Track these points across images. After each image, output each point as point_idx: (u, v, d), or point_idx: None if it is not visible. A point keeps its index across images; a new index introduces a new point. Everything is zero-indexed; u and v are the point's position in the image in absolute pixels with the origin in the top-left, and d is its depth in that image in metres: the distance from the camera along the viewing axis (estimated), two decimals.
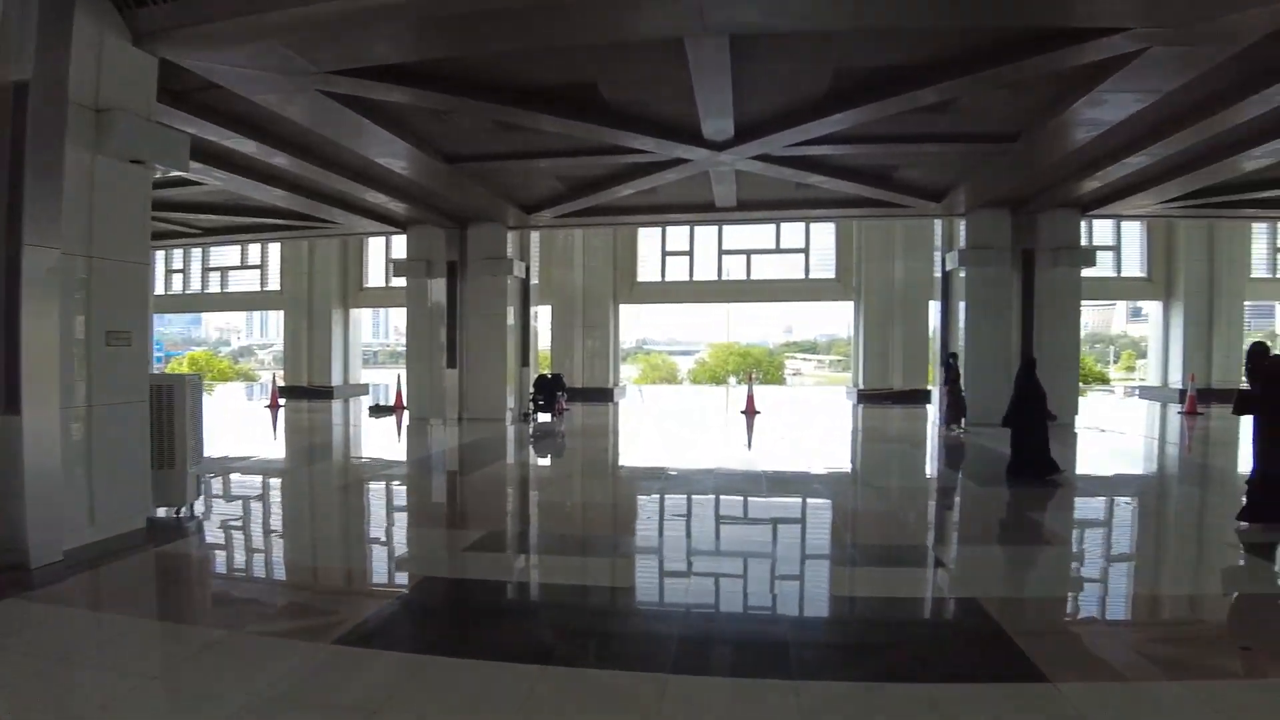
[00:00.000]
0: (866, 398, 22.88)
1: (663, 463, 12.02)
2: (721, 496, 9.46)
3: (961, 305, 16.61)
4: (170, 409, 7.72)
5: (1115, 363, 53.76)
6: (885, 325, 23.29)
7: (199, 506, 8.21)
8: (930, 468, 12.45)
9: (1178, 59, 8.36)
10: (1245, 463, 11.03)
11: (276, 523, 8.43)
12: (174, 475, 7.71)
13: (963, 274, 16.39)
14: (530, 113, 10.07)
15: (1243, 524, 7.43)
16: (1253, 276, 24.15)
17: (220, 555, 7.06)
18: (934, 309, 19.53)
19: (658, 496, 9.48)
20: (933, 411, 20.96)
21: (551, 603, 5.75)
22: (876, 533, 7.87)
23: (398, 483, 10.56)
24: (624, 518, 8.54)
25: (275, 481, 10.76)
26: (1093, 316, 58.11)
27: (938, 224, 18.09)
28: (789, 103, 10.39)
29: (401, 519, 8.62)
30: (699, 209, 16.24)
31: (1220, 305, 23.29)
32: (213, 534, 7.56)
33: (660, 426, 17.52)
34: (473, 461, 12.58)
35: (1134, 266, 24.65)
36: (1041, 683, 4.07)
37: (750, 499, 9.45)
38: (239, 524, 8.11)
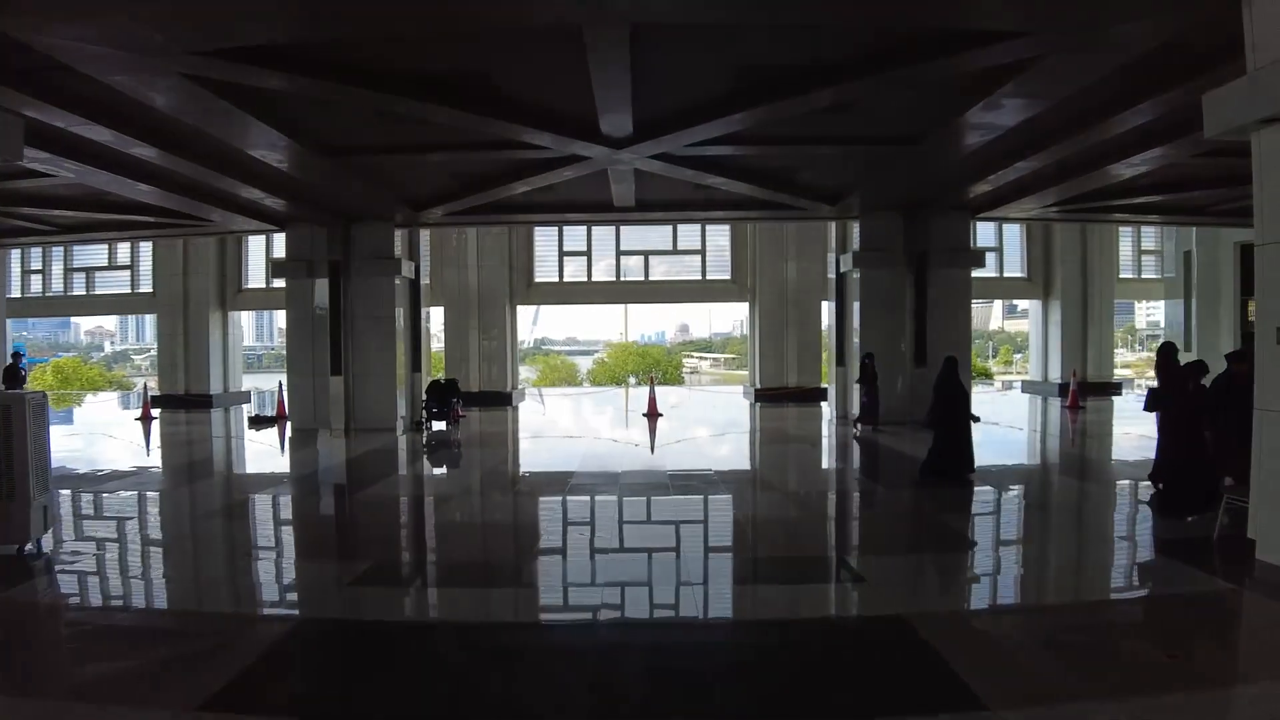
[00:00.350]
0: (764, 396, 22.94)
1: (565, 472, 11.51)
2: (627, 508, 9.05)
3: (856, 306, 16.71)
4: (8, 433, 6.73)
5: (994, 357, 56.28)
6: (779, 325, 23.43)
7: (47, 542, 7.21)
8: (842, 469, 12.36)
9: (1071, 66, 8.45)
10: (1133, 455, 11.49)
11: (137, 559, 7.47)
12: (14, 508, 6.73)
13: (857, 275, 16.50)
14: (418, 103, 9.38)
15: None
16: (1121, 277, 25.52)
17: (69, 601, 6.16)
18: (827, 309, 19.89)
19: (560, 513, 8.98)
20: (828, 409, 21.21)
21: (446, 647, 5.17)
22: (796, 544, 7.61)
23: (276, 506, 9.70)
24: (525, 539, 8.01)
25: (139, 508, 9.68)
26: (973, 314, 60.64)
27: (831, 227, 18.22)
28: (690, 100, 10.05)
29: (280, 549, 7.85)
30: (597, 208, 15.80)
31: (1094, 303, 24.43)
32: (63, 575, 6.63)
33: (561, 432, 16.99)
34: (360, 478, 11.77)
35: (1015, 267, 25.60)
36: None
37: (657, 512, 9.09)
38: (93, 562, 7.13)
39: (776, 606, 5.82)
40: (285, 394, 17.88)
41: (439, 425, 16.78)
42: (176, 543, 8.05)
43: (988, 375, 41.51)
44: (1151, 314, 48.10)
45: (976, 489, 9.72)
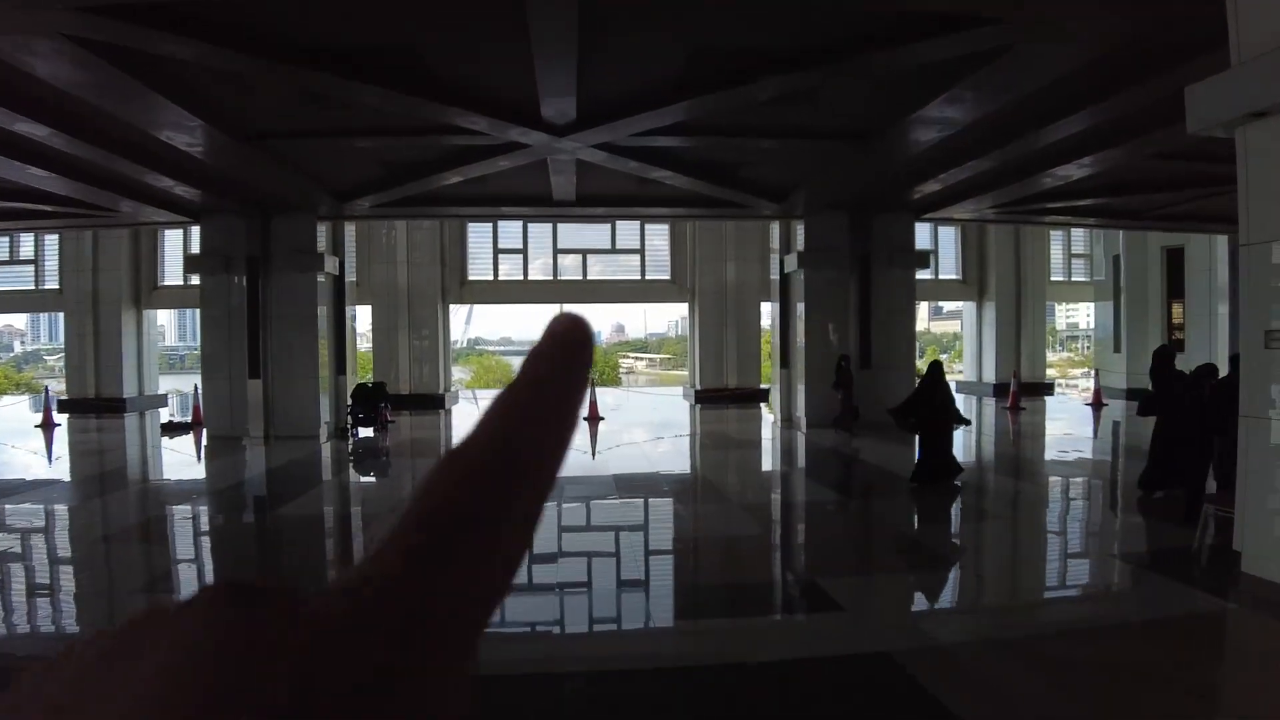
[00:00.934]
0: (704, 398, 22.42)
1: None
2: (568, 525, 8.28)
3: (800, 307, 16.25)
4: None
5: (922, 358, 56.85)
6: (718, 327, 22.97)
7: None
8: (789, 474, 11.78)
9: (1036, 60, 8.09)
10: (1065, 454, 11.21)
11: None
12: None
13: (801, 276, 16.04)
14: (341, 80, 8.48)
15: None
16: (1051, 279, 25.77)
17: None
18: (768, 311, 19.50)
19: None
20: (768, 412, 20.80)
21: None
22: (762, 564, 6.97)
23: (171, 531, 8.66)
24: None
25: (13, 538, 8.52)
26: None
27: (774, 227, 17.77)
28: (639, 85, 9.38)
29: (176, 585, 6.87)
30: (535, 202, 14.96)
31: (1027, 305, 24.57)
32: None
33: None
34: (277, 493, 10.77)
35: (949, 269, 25.61)
36: None
37: (603, 524, 8.35)
38: None
39: (749, 641, 5.15)
40: (201, 399, 16.60)
41: (366, 431, 15.74)
42: (58, 581, 6.98)
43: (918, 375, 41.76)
44: (1071, 315, 49.26)
45: (963, 495, 9.31)
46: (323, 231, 15.61)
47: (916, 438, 10.02)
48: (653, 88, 9.38)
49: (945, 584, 6.36)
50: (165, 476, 12.20)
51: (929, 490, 9.54)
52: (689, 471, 11.74)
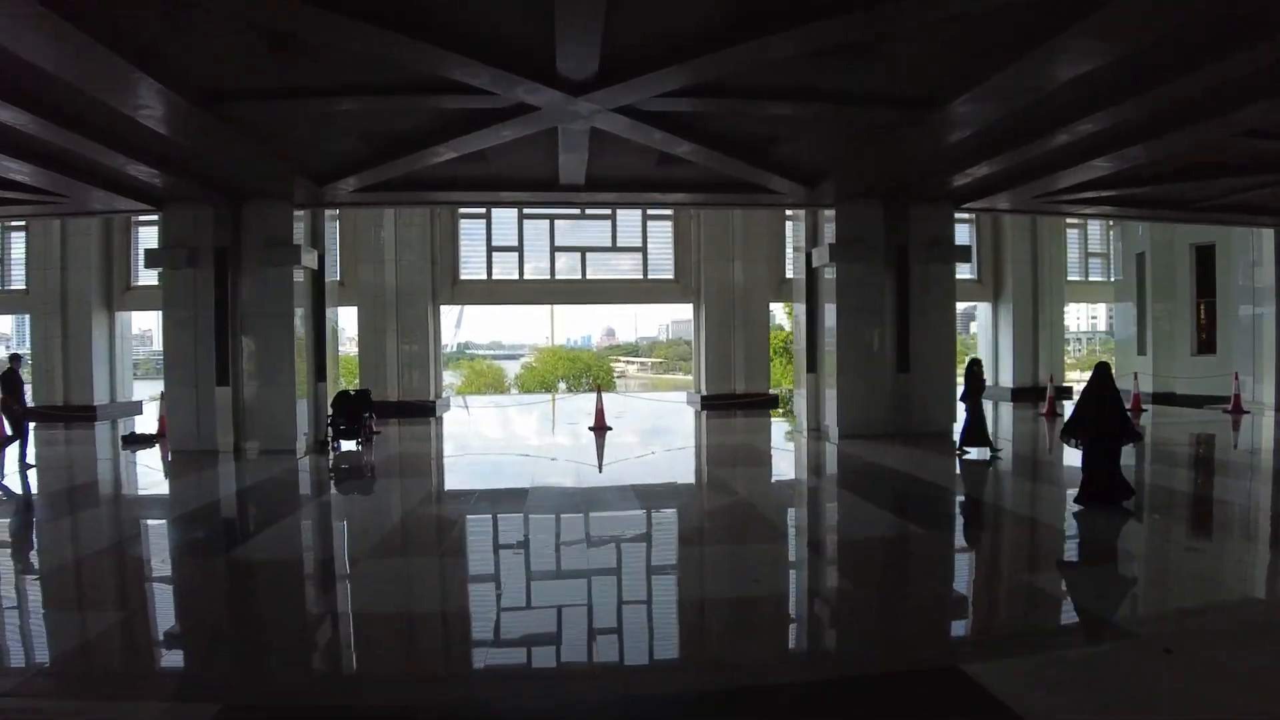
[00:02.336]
0: (711, 404, 20.49)
1: (514, 516, 8.69)
2: (599, 586, 6.30)
3: (829, 305, 14.32)
4: None
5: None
6: (726, 329, 21.13)
7: None
8: (868, 504, 9.68)
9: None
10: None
11: None
12: None
13: (831, 271, 14.11)
14: (314, 10, 6.47)
15: None
16: (1068, 279, 24.03)
17: None
18: (796, 311, 17.62)
19: (519, 593, 6.18)
20: (779, 419, 18.91)
21: None
22: (870, 637, 4.99)
23: (99, 581, 6.58)
24: (455, 634, 5.18)
25: None
26: None
27: (789, 224, 15.93)
28: (678, 29, 7.44)
29: (95, 663, 4.81)
30: (539, 186, 12.92)
31: (1044, 306, 22.85)
32: None
33: (498, 450, 14.07)
34: (237, 528, 8.70)
35: (964, 268, 23.78)
36: None
37: (636, 574, 6.39)
38: None
39: None
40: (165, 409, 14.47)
41: (349, 444, 13.65)
42: None
43: None
44: (1080, 318, 47.47)
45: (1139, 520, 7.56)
46: (300, 220, 13.50)
47: (1078, 452, 8.26)
48: (693, 32, 7.45)
49: (1159, 672, 4.37)
50: (109, 501, 10.07)
51: (1096, 516, 7.65)
52: (731, 499, 9.72)
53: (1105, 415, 8.05)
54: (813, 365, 14.79)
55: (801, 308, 15.27)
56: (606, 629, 5.12)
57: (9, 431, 12.37)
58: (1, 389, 12.06)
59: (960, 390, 12.53)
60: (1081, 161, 11.36)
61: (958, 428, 14.67)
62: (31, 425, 12.23)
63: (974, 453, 11.75)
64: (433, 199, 13.85)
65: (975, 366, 12.24)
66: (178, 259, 13.30)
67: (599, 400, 15.98)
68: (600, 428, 15.45)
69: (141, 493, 10.59)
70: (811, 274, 14.83)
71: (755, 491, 10.27)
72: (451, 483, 11.27)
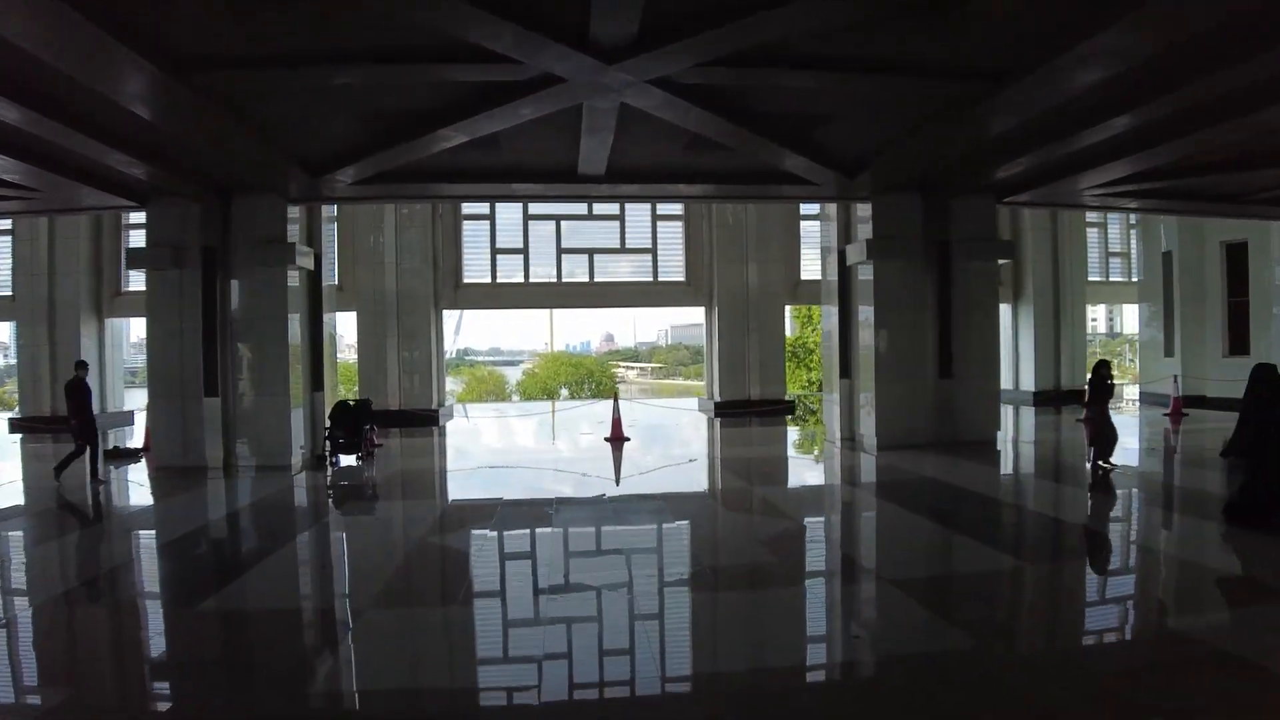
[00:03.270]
0: (725, 410, 19.20)
1: (541, 550, 7.39)
2: (659, 643, 5.00)
3: (866, 307, 13.04)
4: None
5: None
6: (740, 332, 19.88)
7: None
8: (942, 528, 8.24)
9: None
10: None
11: None
12: None
13: (868, 270, 12.83)
14: None
15: None
16: (1089, 280, 22.84)
17: None
18: (788, 314, 16.53)
19: (560, 647, 4.85)
20: (795, 426, 17.66)
21: None
22: None
23: (57, 638, 5.24)
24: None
25: None
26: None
27: (820, 225, 14.61)
28: None
29: None
30: (555, 177, 11.59)
31: (1066, 307, 21.69)
32: None
33: (510, 465, 12.71)
34: (223, 563, 7.33)
35: None
36: None
37: (705, 627, 5.08)
38: None
39: None
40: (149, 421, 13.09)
41: (348, 459, 12.30)
42: None
43: None
44: (1095, 319, 45.81)
45: None
46: (294, 216, 12.18)
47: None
48: None
49: None
50: (73, 529, 8.70)
51: (1255, 534, 6.42)
52: (785, 524, 8.40)
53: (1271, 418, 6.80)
54: (847, 370, 13.48)
55: (831, 310, 13.97)
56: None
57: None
58: (67, 400, 10.93)
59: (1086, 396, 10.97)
60: (1144, 149, 10.16)
61: (1003, 436, 13.50)
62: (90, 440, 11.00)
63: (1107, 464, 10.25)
64: (438, 192, 12.46)
65: (1103, 369, 10.76)
66: (162, 259, 11.95)
67: (616, 409, 14.63)
68: (618, 438, 14.13)
69: (115, 519, 9.21)
70: (845, 273, 13.53)
71: (810, 514, 8.98)
72: (465, 504, 9.87)
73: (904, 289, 12.72)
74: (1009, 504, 9.18)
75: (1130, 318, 32.36)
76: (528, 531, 7.99)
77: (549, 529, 7.93)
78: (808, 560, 6.95)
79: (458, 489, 11.07)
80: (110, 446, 14.04)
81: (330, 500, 10.14)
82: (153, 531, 8.51)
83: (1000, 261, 13.81)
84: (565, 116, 8.98)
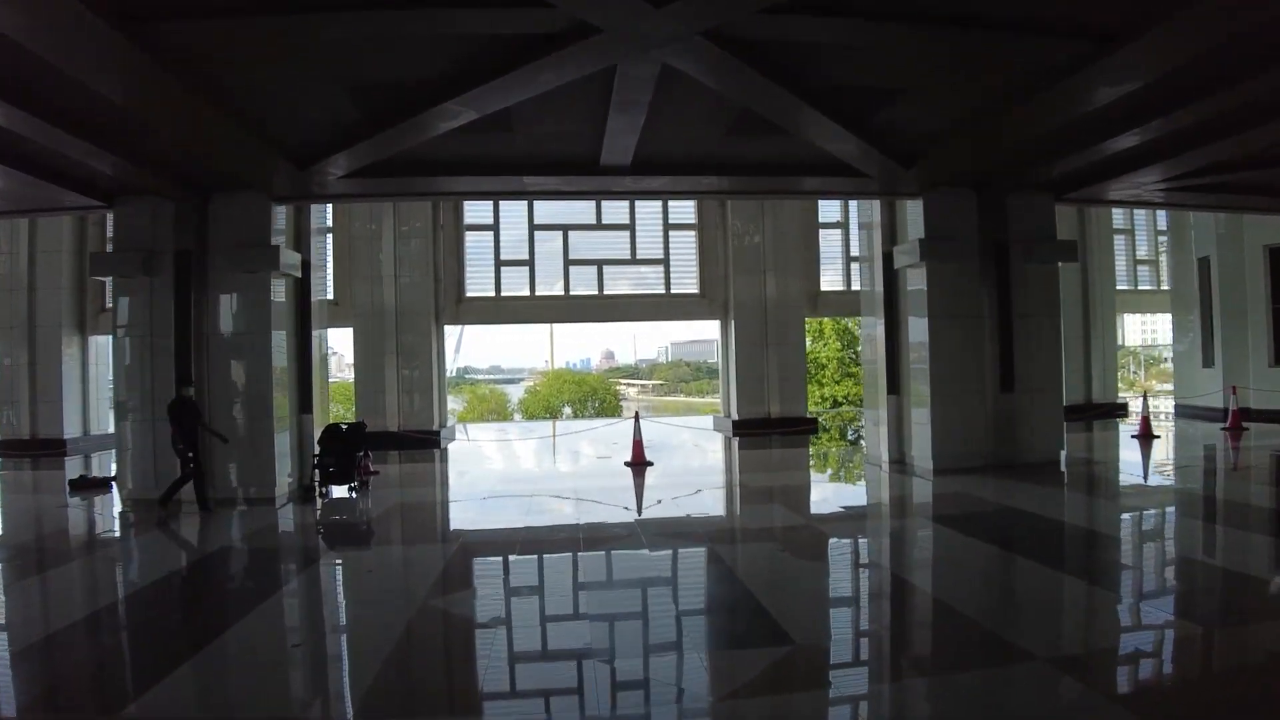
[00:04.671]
0: (743, 429, 17.50)
1: (582, 618, 5.71)
2: None
3: (917, 316, 11.42)
4: None
5: None
6: (758, 346, 18.18)
7: None
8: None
9: None
10: None
11: None
12: None
13: (919, 274, 11.21)
14: None
15: None
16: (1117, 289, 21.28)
17: None
18: (799, 324, 14.82)
19: None
20: (817, 445, 16.00)
21: None
22: None
23: None
24: None
25: None
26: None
27: (837, 234, 12.97)
28: None
29: None
30: (573, 168, 9.91)
31: (1096, 316, 20.15)
32: None
33: (524, 495, 10.95)
34: (179, 635, 5.57)
35: None
36: None
37: None
38: None
39: None
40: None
41: (339, 490, 10.57)
42: None
43: None
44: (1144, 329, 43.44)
45: None
46: (280, 217, 10.53)
47: None
48: None
49: None
50: (25, 590, 6.92)
51: None
52: (871, 570, 6.75)
53: None
54: (894, 386, 11.81)
55: (874, 320, 12.32)
56: None
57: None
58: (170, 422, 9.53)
59: None
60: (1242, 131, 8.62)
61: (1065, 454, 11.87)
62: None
63: None
64: (441, 187, 10.74)
65: None
66: (130, 265, 10.25)
67: (637, 430, 12.86)
68: (639, 463, 12.42)
69: (60, 567, 7.44)
70: (890, 278, 11.89)
71: (894, 556, 7.30)
72: (476, 546, 8.06)
73: (961, 295, 11.10)
74: (1141, 544, 7.49)
75: (1161, 327, 30.76)
76: (558, 592, 6.30)
77: (585, 589, 6.23)
78: (932, 635, 5.26)
79: (467, 526, 9.28)
80: (76, 475, 12.27)
81: (319, 539, 8.43)
82: (105, 585, 6.77)
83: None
84: (592, 88, 7.38)
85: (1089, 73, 7.03)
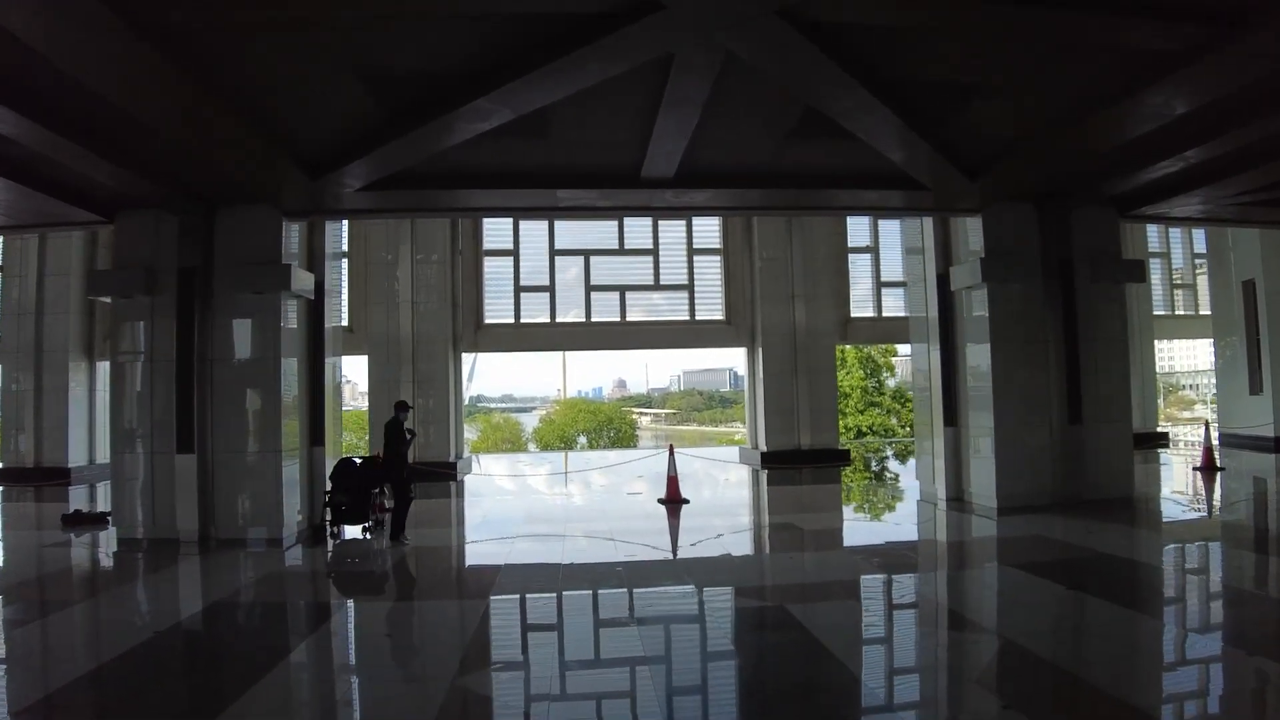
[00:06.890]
0: (772, 461, 16.39)
1: (624, 686, 4.64)
2: None
3: (976, 342, 10.39)
4: None
5: None
6: (787, 375, 17.09)
7: None
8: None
9: None
10: None
11: None
12: None
13: (980, 296, 10.19)
14: None
15: None
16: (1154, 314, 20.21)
17: None
18: (829, 351, 13.82)
19: None
20: (876, 482, 14.87)
21: None
22: None
23: None
24: None
25: None
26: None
27: (867, 259, 11.82)
28: None
29: None
30: (611, 180, 8.95)
31: (1133, 342, 18.99)
32: None
33: (553, 536, 9.85)
34: (182, 706, 4.54)
35: None
36: None
37: None
38: None
39: None
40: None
41: (353, 530, 9.50)
42: None
43: None
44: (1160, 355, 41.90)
45: None
46: (290, 233, 9.60)
47: None
48: None
49: None
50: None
51: None
52: (979, 636, 5.65)
53: None
54: (951, 417, 10.72)
55: (925, 346, 11.26)
56: None
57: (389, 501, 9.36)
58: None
59: None
60: None
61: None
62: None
63: None
64: (465, 202, 9.73)
65: None
66: (131, 283, 9.31)
67: (671, 465, 11.77)
68: (674, 499, 11.34)
69: (29, 625, 6.37)
70: (945, 301, 10.86)
71: (999, 617, 6.17)
72: (509, 603, 6.87)
73: (1024, 317, 10.09)
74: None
75: (1179, 353, 29.73)
76: (613, 666, 5.23)
77: (644, 663, 5.14)
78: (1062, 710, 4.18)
79: (496, 576, 8.17)
80: (70, 511, 11.24)
81: (331, 589, 7.36)
82: (73, 652, 5.69)
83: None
84: (640, 87, 6.45)
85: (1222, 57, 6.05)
